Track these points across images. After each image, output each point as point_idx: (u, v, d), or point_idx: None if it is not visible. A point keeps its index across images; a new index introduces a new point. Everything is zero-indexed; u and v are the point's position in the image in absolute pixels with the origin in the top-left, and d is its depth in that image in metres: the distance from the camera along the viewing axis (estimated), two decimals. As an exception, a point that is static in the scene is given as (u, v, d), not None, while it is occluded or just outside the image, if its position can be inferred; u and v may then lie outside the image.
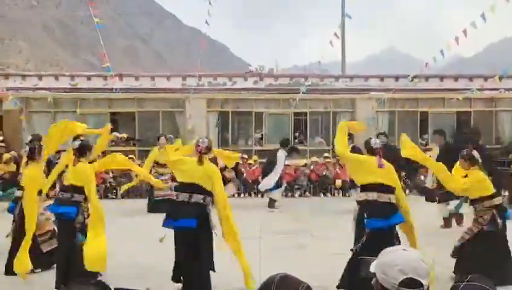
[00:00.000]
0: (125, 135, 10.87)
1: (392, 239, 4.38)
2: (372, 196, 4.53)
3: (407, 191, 10.15)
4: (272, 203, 10.55)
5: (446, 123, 14.50)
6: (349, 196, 11.30)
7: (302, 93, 14.19)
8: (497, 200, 5.11)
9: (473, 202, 5.14)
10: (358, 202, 4.68)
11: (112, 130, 6.48)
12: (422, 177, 11.41)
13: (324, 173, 13.08)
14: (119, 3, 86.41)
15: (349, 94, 15.22)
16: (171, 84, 15.51)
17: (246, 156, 13.44)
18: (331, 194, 12.88)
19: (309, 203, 11.42)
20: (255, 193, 12.74)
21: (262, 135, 14.92)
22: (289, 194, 12.67)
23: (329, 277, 4.83)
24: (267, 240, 7.12)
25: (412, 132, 14.35)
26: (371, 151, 4.76)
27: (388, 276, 1.86)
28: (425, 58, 11.79)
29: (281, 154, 10.56)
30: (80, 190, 4.94)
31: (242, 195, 12.78)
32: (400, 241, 4.52)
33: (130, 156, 9.55)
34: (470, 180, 5.09)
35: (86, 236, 4.70)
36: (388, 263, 1.89)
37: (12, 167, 11.42)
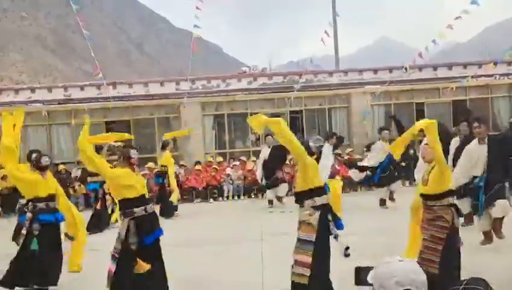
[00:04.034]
0: (121, 144, 10.78)
1: None
2: None
3: None
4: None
5: (442, 113, 14.47)
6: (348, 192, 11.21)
7: (297, 91, 14.11)
8: None
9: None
10: None
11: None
12: None
13: (323, 170, 13.01)
14: (110, 9, 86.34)
15: (343, 89, 15.17)
16: (165, 89, 15.44)
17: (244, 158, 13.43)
18: (331, 192, 12.78)
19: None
20: (255, 194, 12.73)
21: (258, 135, 14.85)
22: (289, 193, 12.61)
23: (332, 277, 4.78)
24: (268, 242, 7.08)
25: (408, 124, 14.28)
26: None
27: (385, 288, 1.82)
28: (419, 46, 11.62)
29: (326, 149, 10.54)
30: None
31: (242, 197, 12.76)
32: None
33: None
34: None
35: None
36: (385, 274, 1.86)
37: (10, 183, 11.34)
